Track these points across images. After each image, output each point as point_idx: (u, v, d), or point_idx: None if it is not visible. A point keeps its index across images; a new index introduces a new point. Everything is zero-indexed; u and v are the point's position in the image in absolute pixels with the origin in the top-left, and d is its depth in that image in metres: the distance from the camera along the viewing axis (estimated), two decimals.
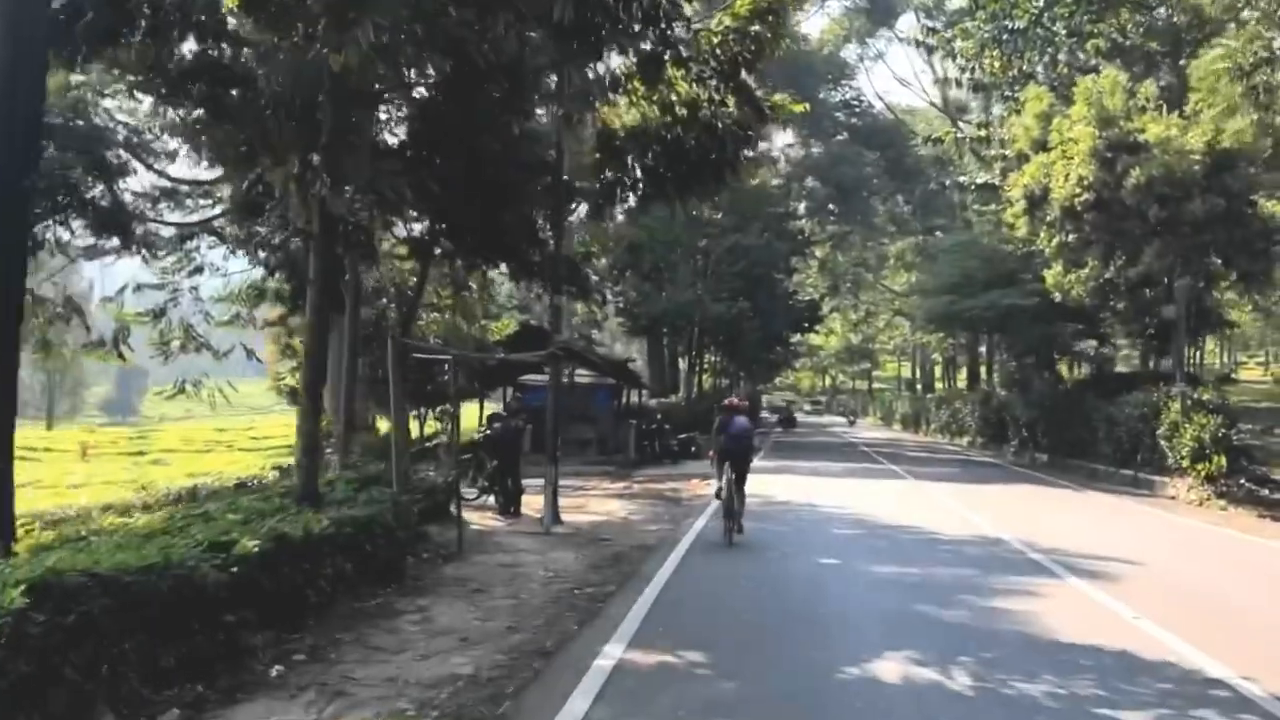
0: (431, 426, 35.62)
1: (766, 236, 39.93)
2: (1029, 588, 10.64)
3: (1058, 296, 28.36)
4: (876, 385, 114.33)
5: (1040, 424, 36.16)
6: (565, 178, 16.07)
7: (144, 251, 21.34)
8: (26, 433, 35.11)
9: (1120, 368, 44.29)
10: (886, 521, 16.13)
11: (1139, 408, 26.55)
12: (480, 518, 15.97)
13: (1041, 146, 27.92)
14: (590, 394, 34.68)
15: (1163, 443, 24.41)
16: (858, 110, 47.61)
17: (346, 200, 11.59)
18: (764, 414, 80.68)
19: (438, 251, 16.54)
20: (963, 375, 72.47)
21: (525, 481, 17.24)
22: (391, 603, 9.57)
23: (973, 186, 33.44)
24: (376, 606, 9.35)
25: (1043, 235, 27.35)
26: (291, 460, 13.80)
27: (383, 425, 29.95)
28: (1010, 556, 12.79)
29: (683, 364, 47.62)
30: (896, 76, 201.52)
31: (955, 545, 13.75)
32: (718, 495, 13.99)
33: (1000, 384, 47.78)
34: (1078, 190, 25.23)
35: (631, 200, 17.27)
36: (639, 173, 15.88)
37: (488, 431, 18.15)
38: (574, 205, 18.60)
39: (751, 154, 16.97)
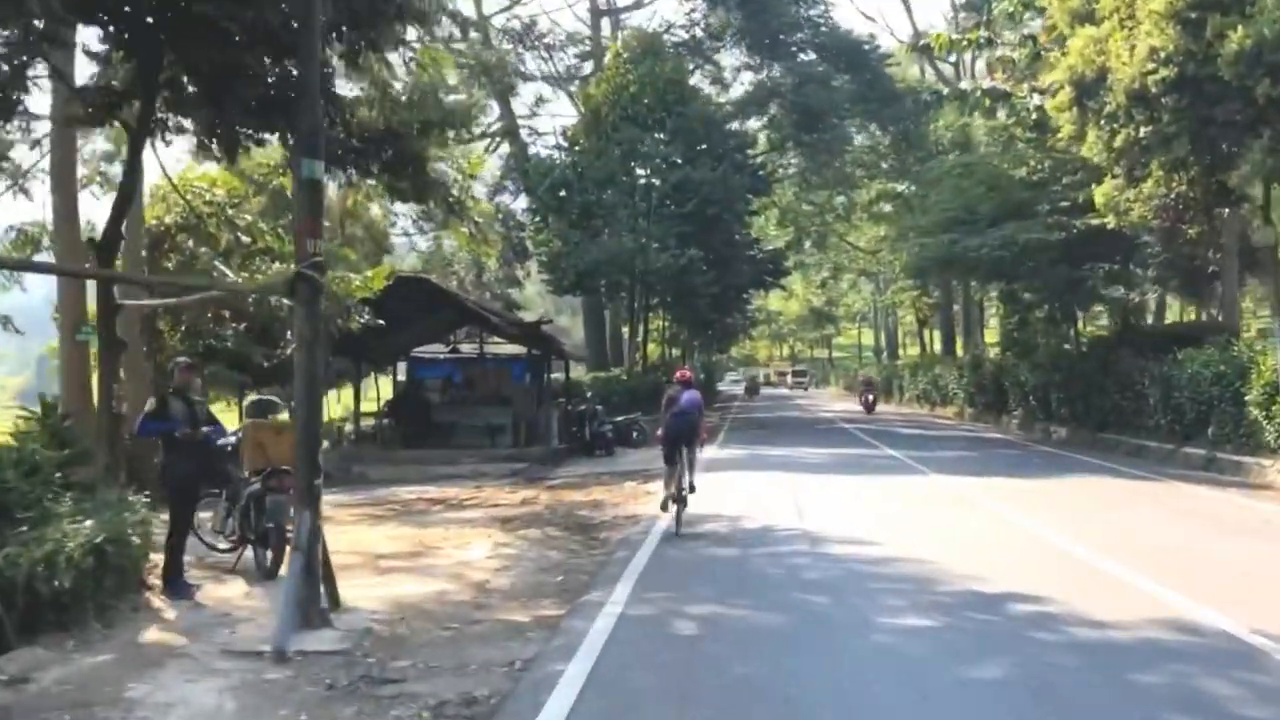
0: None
1: (721, 170, 32.54)
2: None
3: (1109, 221, 21.33)
4: (836, 354, 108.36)
5: (1054, 390, 29.53)
6: None
7: None
8: None
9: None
10: (966, 586, 8.55)
11: (1212, 366, 19.94)
12: (217, 588, 8.59)
13: (1087, 19, 20.79)
14: (503, 368, 27.30)
15: (1254, 412, 17.96)
16: (823, 28, 40.19)
17: None
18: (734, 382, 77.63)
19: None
20: (937, 339, 66.12)
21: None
22: None
23: (977, 93, 26.21)
24: None
25: (1090, 138, 20.23)
26: None
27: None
28: None
29: (627, 332, 40.33)
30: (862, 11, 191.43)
31: (1169, 670, 6.28)
32: (664, 507, 12.01)
33: (998, 344, 41.07)
34: (1150, 66, 18.12)
35: None
36: None
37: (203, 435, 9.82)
38: None
39: None
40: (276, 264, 20.93)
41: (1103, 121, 19.33)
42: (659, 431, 12.76)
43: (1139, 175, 19.86)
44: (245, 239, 21.94)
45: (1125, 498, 15.34)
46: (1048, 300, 30.96)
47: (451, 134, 15.06)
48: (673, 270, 30.79)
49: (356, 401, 26.35)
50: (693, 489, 12.21)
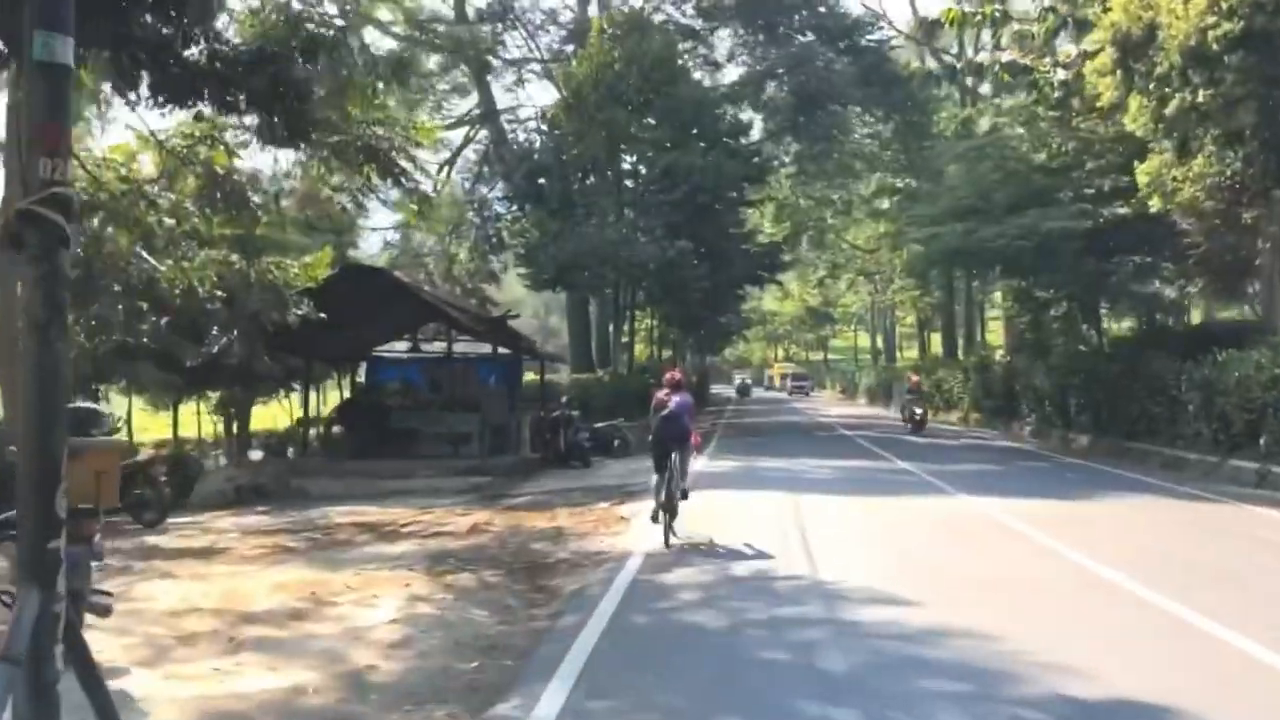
0: (210, 426, 25.63)
1: (713, 155, 29.87)
2: None
3: (1154, 203, 18.74)
4: (832, 356, 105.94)
5: (1074, 395, 27.02)
6: None
7: None
8: None
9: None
10: (1056, 686, 5.68)
11: (1265, 370, 17.41)
12: None
13: None
14: (470, 370, 24.62)
15: None
16: (821, 9, 37.49)
17: None
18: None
19: None
20: (936, 341, 63.55)
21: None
22: None
23: (995, 67, 23.62)
24: None
25: (1134, 107, 17.63)
26: None
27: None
28: None
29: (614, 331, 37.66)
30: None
31: None
32: (654, 519, 11.20)
33: (1001, 345, 38.50)
34: (1210, 19, 15.55)
35: None
36: None
37: None
38: None
39: None
40: (206, 250, 18.29)
41: (1152, 85, 16.70)
42: (649, 438, 12.04)
43: (1192, 148, 17.31)
44: (169, 221, 19.20)
45: (1198, 527, 12.72)
46: (1068, 297, 28.36)
47: (383, 86, 12.40)
48: (661, 262, 28.13)
49: (305, 407, 23.67)
50: (685, 495, 11.64)
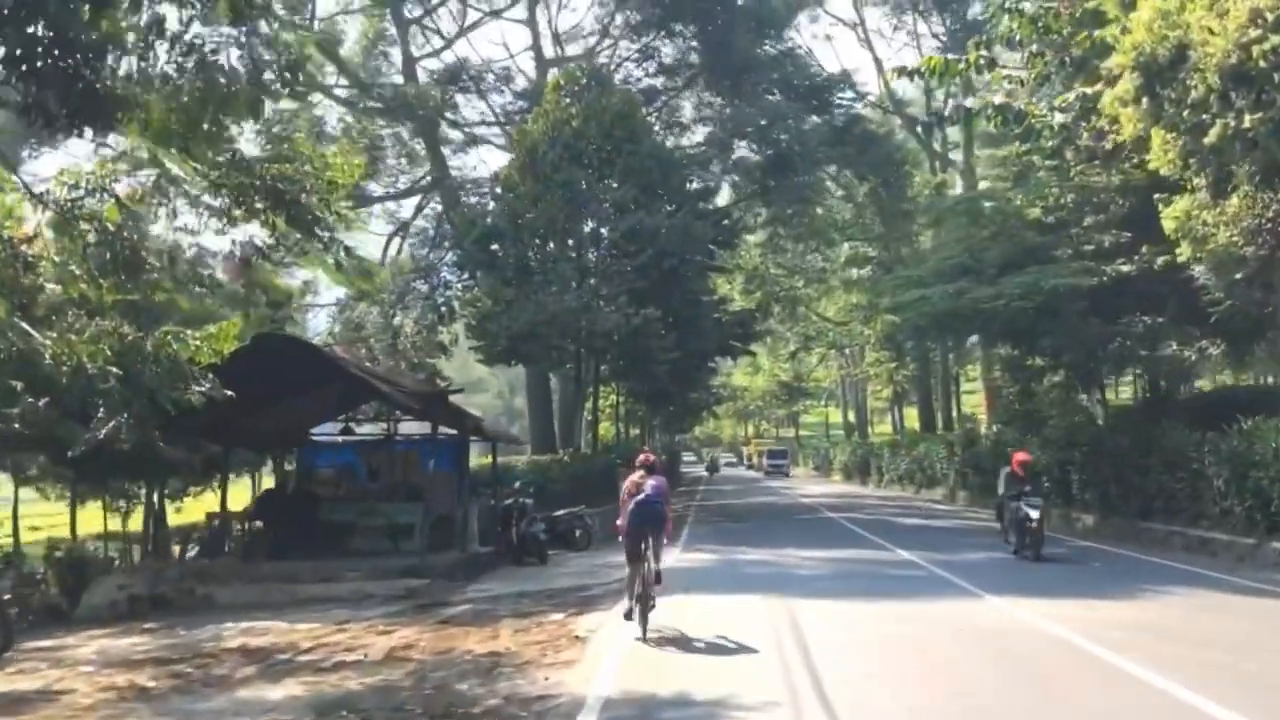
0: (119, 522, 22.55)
1: (681, 216, 27.58)
2: None
3: (1183, 252, 16.55)
4: (803, 433, 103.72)
5: (1076, 470, 24.74)
6: None
7: None
8: None
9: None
10: None
11: None
12: None
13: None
14: (414, 455, 21.79)
15: None
16: (790, 68, 35.73)
17: None
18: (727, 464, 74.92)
19: None
20: (912, 415, 61.44)
21: None
22: None
23: (988, 112, 21.52)
24: None
25: (1156, 141, 15.50)
26: None
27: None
28: None
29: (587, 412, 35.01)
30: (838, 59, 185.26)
31: None
32: (628, 616, 10.74)
33: (989, 417, 36.23)
34: (1254, 33, 13.52)
35: None
36: None
37: None
38: None
39: None
40: (96, 320, 15.59)
41: (1186, 113, 14.54)
42: (619, 522, 11.07)
43: (1225, 188, 15.17)
44: (53, 287, 16.45)
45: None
46: (1066, 364, 26.04)
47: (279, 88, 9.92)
48: (625, 332, 25.62)
49: (223, 499, 20.71)
50: (659, 580, 10.98)
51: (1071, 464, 25.29)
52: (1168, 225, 16.30)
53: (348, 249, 13.56)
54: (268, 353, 16.72)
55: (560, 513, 21.92)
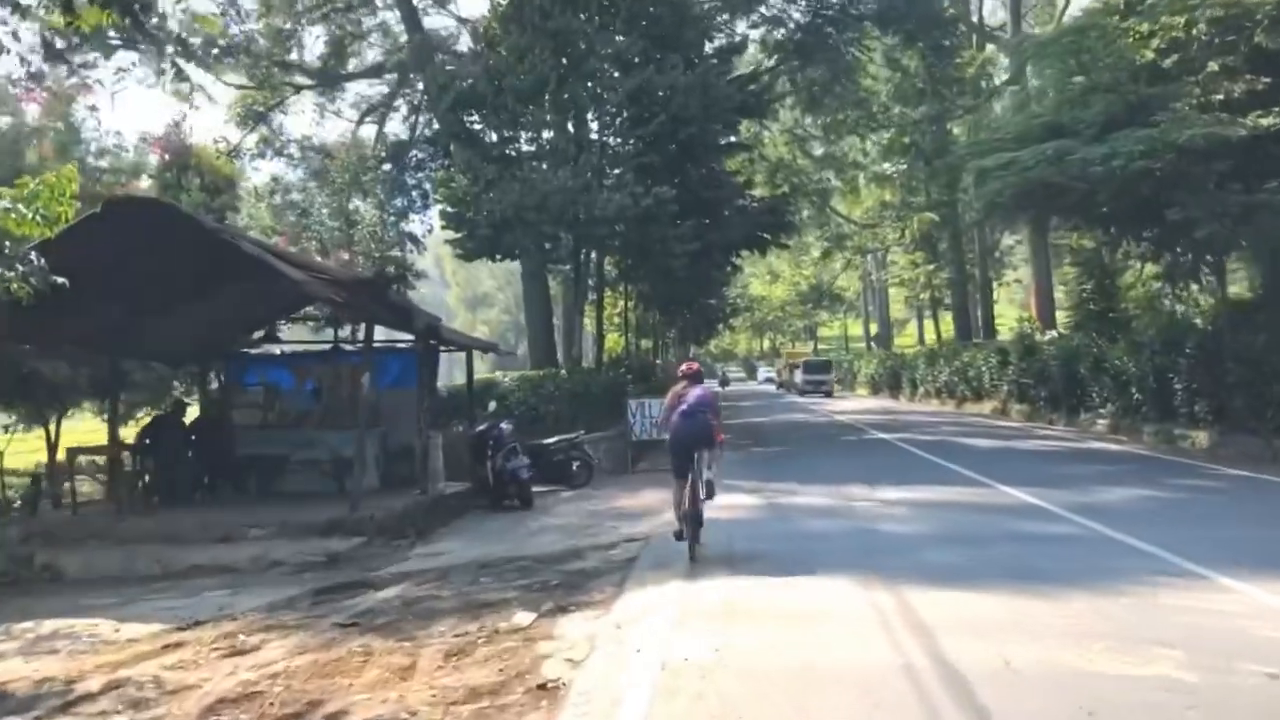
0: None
1: (699, 73, 22.27)
2: None
3: None
4: (821, 346, 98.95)
5: (1182, 379, 20.31)
6: None
7: None
8: None
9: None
10: None
11: None
12: None
13: None
14: (369, 367, 16.89)
15: None
16: None
17: None
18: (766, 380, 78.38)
19: None
20: (947, 323, 56.32)
21: None
22: None
23: None
24: None
25: None
26: None
27: None
28: None
29: (590, 321, 30.15)
30: None
31: None
32: (679, 537, 9.79)
33: (1067, 320, 31.16)
34: None
35: None
36: None
37: None
38: None
39: None
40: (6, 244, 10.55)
41: None
42: (664, 433, 10.51)
43: None
44: None
45: None
46: (1186, 248, 20.91)
47: None
48: (632, 217, 20.55)
49: (112, 431, 15.89)
50: (710, 493, 9.78)
51: (1174, 371, 20.74)
52: None
53: (184, 42, 8.72)
54: (119, 221, 11.75)
55: (551, 441, 17.16)
